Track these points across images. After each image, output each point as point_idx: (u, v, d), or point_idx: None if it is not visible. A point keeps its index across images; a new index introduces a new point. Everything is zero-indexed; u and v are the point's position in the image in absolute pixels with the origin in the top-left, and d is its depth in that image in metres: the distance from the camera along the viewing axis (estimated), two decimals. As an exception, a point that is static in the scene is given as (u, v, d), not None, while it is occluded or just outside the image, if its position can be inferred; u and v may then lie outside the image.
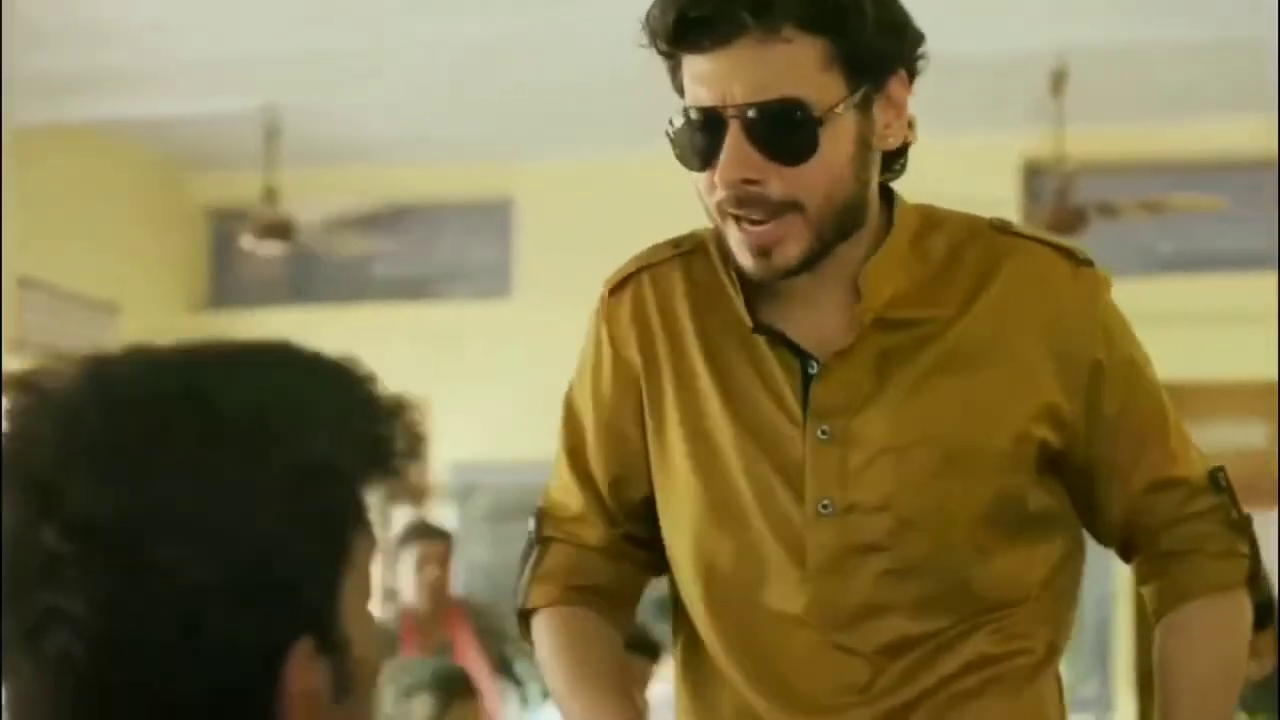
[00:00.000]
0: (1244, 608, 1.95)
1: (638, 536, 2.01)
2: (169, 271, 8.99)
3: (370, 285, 8.87)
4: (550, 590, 2.03)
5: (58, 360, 1.17)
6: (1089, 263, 1.92)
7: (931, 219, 1.93)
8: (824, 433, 1.86)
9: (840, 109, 1.80)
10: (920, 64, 1.89)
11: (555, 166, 8.52)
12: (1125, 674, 7.64)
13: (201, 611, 1.08)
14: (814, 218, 1.81)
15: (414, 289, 8.84)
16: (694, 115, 1.81)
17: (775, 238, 1.81)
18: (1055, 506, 1.93)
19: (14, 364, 7.85)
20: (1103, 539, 1.98)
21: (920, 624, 1.87)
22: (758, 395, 1.89)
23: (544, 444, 8.42)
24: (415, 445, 1.22)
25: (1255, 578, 1.95)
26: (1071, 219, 6.40)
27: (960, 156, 6.98)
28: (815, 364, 1.87)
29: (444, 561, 6.12)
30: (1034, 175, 7.84)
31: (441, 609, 6.05)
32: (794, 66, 1.78)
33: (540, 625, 2.04)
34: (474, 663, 5.85)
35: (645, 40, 1.82)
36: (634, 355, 1.98)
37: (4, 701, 1.12)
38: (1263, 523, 1.99)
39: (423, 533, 6.22)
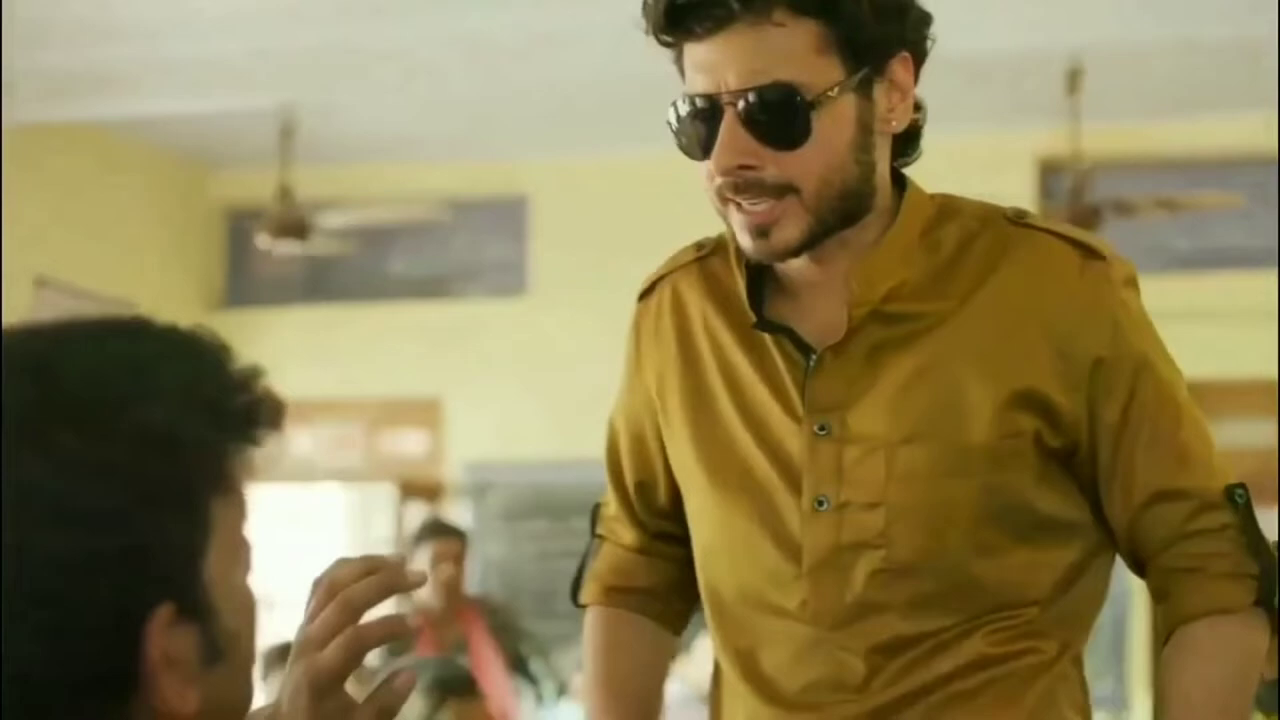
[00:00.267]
0: (1250, 631, 1.86)
1: (673, 534, 2.05)
2: (184, 270, 9.00)
3: (385, 284, 8.88)
4: (594, 589, 2.12)
5: None
6: (1101, 256, 1.87)
7: (948, 209, 1.91)
8: (821, 428, 1.86)
9: (835, 92, 1.79)
10: (927, 45, 1.87)
11: (570, 164, 8.51)
12: (1141, 672, 7.63)
13: (54, 582, 1.10)
14: (812, 201, 1.81)
15: (429, 287, 8.85)
16: (691, 104, 1.82)
17: (772, 217, 1.81)
18: (1070, 511, 1.88)
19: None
20: (1118, 550, 1.93)
21: (916, 623, 1.85)
22: (761, 391, 1.90)
23: (558, 442, 8.51)
24: (273, 415, 1.24)
25: (1268, 602, 1.85)
26: (1087, 217, 6.39)
27: (975, 155, 6.98)
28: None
29: (459, 559, 6.13)
30: (1049, 173, 7.83)
31: (456, 607, 6.06)
32: (787, 51, 1.77)
33: (586, 623, 2.13)
34: (488, 660, 5.86)
35: (647, 32, 1.82)
36: (654, 360, 2.01)
37: None
38: (1265, 520, 1.92)
39: (437, 531, 6.23)
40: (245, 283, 9.14)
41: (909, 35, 1.84)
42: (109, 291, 8.29)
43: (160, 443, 1.14)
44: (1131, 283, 1.89)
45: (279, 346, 8.98)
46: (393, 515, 8.78)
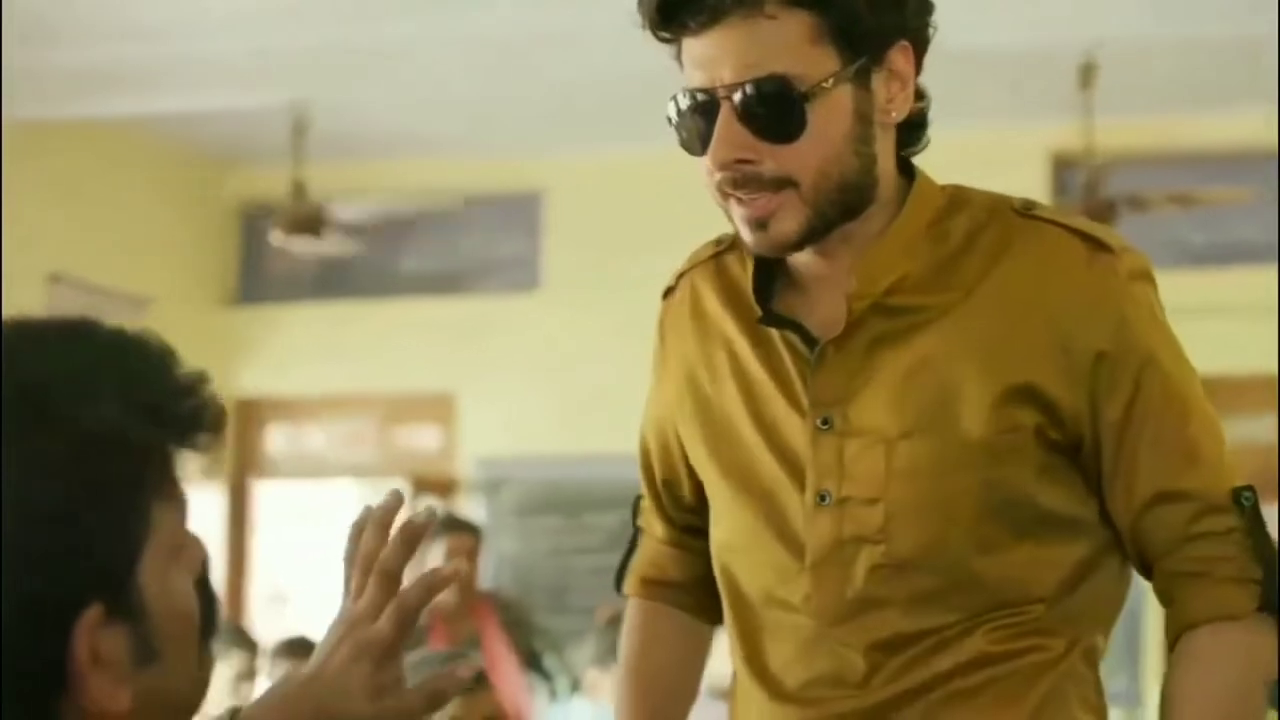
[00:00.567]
0: (1255, 637, 1.80)
1: (699, 528, 2.05)
2: (198, 266, 9.01)
3: (399, 279, 8.88)
4: (633, 581, 2.15)
5: None
6: (1108, 248, 1.84)
7: (958, 200, 1.89)
8: (823, 422, 1.85)
9: (830, 84, 1.77)
10: (929, 33, 1.85)
11: (585, 160, 8.51)
12: (1155, 668, 7.62)
13: None
14: (810, 194, 1.79)
15: (442, 283, 8.85)
16: (689, 99, 1.81)
17: (769, 210, 1.79)
18: (1074, 507, 1.85)
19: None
20: (1124, 551, 1.88)
21: (917, 620, 1.83)
22: (768, 385, 1.89)
23: (571, 438, 8.50)
24: (215, 419, 1.25)
25: (1273, 607, 1.80)
26: (1101, 212, 6.38)
27: (989, 150, 6.97)
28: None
29: (472, 555, 6.14)
30: (1063, 168, 7.82)
31: (469, 602, 6.06)
32: (780, 43, 1.76)
33: (625, 614, 2.16)
34: (501, 656, 5.87)
35: (644, 28, 1.82)
36: (676, 357, 2.01)
37: None
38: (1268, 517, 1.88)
39: (451, 526, 6.23)
40: (259, 279, 9.15)
41: (908, 24, 1.82)
42: (122, 288, 8.30)
43: (98, 444, 1.16)
44: (1143, 277, 1.86)
45: (292, 342, 9.00)
46: (406, 511, 8.77)
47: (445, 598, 5.99)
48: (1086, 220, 1.91)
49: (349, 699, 1.39)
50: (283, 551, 9.11)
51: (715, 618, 2.08)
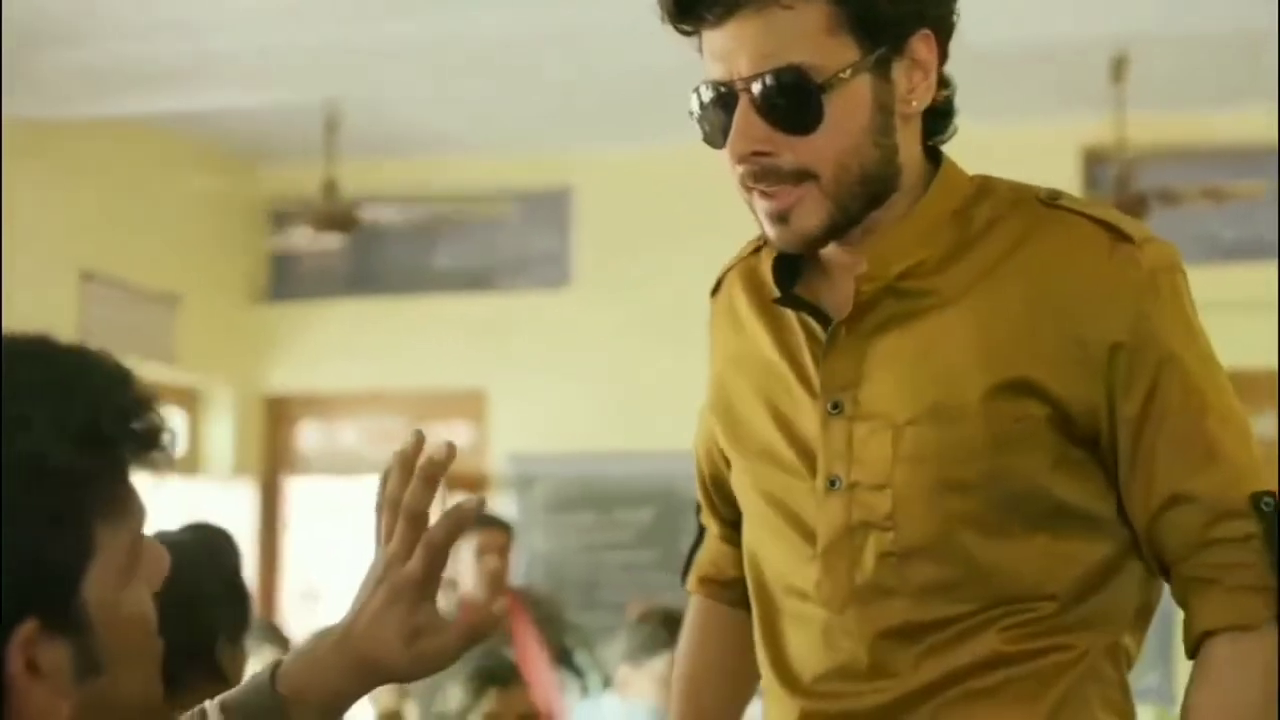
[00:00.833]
0: (1272, 647, 1.74)
1: None
2: (230, 263, 9.03)
3: (429, 276, 8.90)
4: (693, 578, 2.15)
5: None
6: (1130, 239, 1.79)
7: (985, 189, 1.86)
8: (834, 406, 1.83)
9: (848, 74, 1.75)
10: (953, 20, 1.82)
11: (615, 156, 8.51)
12: (1187, 665, 7.58)
13: None
14: (830, 187, 1.77)
15: (473, 280, 8.86)
16: (708, 91, 1.79)
17: (789, 203, 1.78)
18: (1092, 502, 1.80)
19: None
20: (1142, 553, 1.83)
21: (926, 610, 1.79)
22: (785, 370, 1.88)
23: (603, 434, 8.49)
24: (157, 439, 1.28)
25: None
26: (1132, 206, 6.36)
27: (1020, 144, 6.94)
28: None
29: (504, 551, 6.14)
30: (1094, 163, 7.79)
31: (501, 598, 6.06)
32: (796, 33, 1.74)
33: (687, 610, 2.16)
34: (533, 652, 5.87)
35: (663, 20, 1.81)
36: (715, 357, 2.01)
37: None
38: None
39: (482, 522, 6.23)
40: (290, 276, 9.17)
41: (929, 12, 1.80)
42: (154, 285, 8.33)
43: (31, 471, 1.19)
44: (1169, 269, 1.80)
45: (324, 339, 9.02)
46: (437, 507, 8.79)
47: (477, 594, 6.01)
48: (1113, 211, 1.86)
49: (386, 645, 1.43)
50: (315, 548, 9.13)
51: None
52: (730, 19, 1.75)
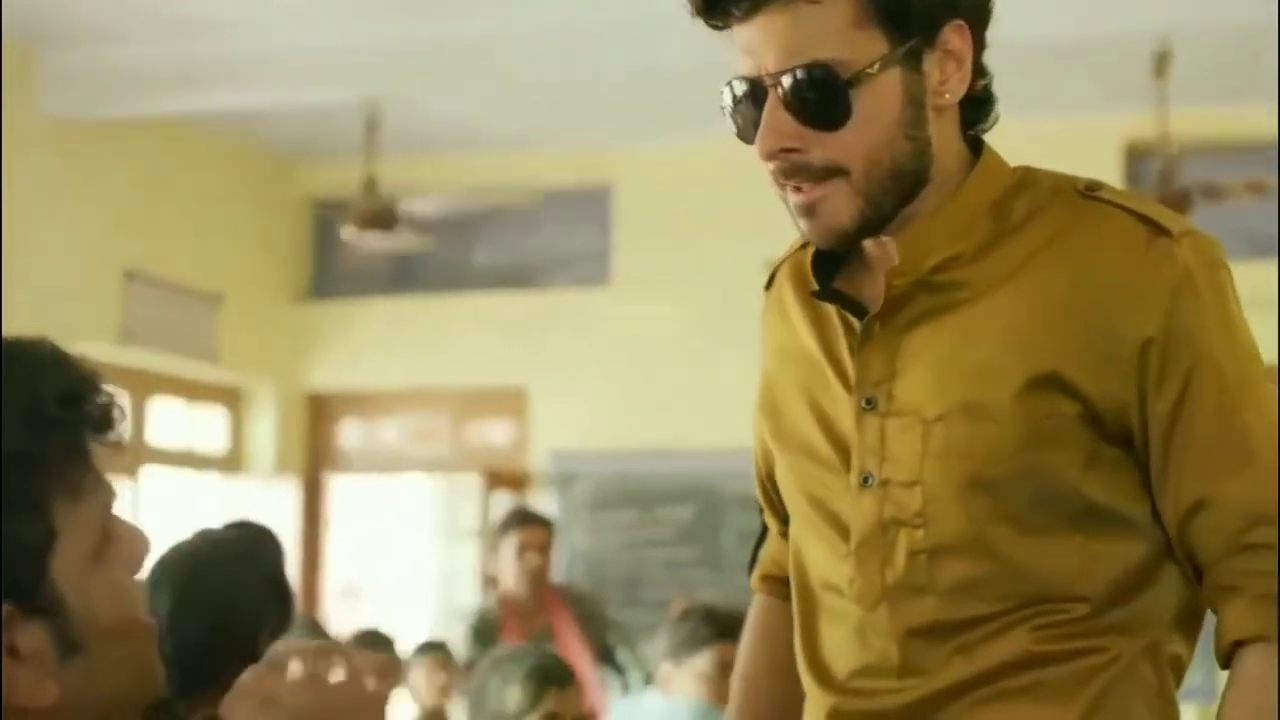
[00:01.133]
0: None
1: None
2: (272, 262, 9.06)
3: (470, 274, 8.91)
4: (756, 575, 2.14)
5: None
6: (1168, 232, 1.74)
7: (1025, 181, 1.83)
8: (868, 401, 1.80)
9: (876, 68, 1.72)
10: (988, 10, 1.79)
11: (655, 152, 8.51)
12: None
13: None
14: (861, 182, 1.75)
15: (514, 277, 8.87)
16: (739, 87, 1.77)
17: (818, 198, 1.76)
18: (1124, 502, 1.76)
19: (122, 356, 7.95)
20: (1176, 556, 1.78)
21: (955, 609, 1.76)
22: (824, 366, 1.86)
23: (644, 431, 8.47)
24: (107, 418, 1.29)
25: None
26: (1175, 202, 6.32)
27: (1062, 140, 6.92)
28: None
29: (545, 548, 6.14)
30: (1137, 158, 7.75)
31: (542, 596, 6.07)
32: (823, 28, 1.71)
33: (750, 608, 2.15)
34: (574, 650, 5.87)
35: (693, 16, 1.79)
36: (766, 353, 2.00)
37: None
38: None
39: (524, 520, 6.24)
40: (332, 274, 9.20)
41: (961, 2, 1.76)
42: (197, 284, 8.37)
43: None
44: (1209, 264, 1.75)
45: (365, 337, 9.04)
46: (479, 505, 8.82)
47: (518, 592, 6.02)
48: (1153, 203, 1.82)
49: None
50: (356, 545, 9.15)
51: None
52: (757, 14, 1.73)
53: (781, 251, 2.03)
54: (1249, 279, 1.97)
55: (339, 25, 6.90)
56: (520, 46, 6.96)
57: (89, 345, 7.69)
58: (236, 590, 2.49)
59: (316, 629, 6.01)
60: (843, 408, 1.83)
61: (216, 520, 2.68)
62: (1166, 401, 1.73)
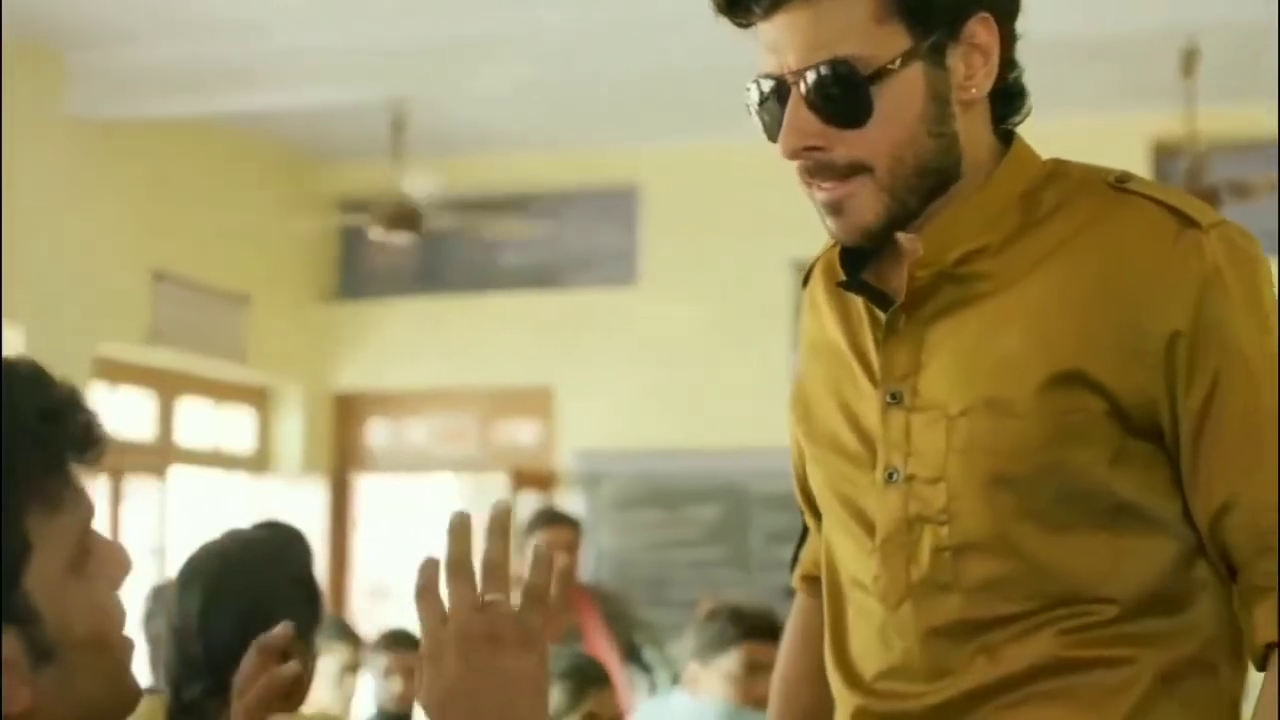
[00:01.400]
0: None
1: None
2: (299, 262, 9.08)
3: (497, 273, 8.92)
4: (796, 574, 2.11)
5: None
6: (1197, 224, 1.71)
7: (1056, 173, 1.80)
8: (892, 396, 1.78)
9: (898, 64, 1.69)
10: (1013, 3, 1.76)
11: (681, 152, 8.51)
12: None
13: None
14: (886, 180, 1.72)
15: (540, 277, 8.88)
16: (762, 86, 1.76)
17: (842, 195, 1.74)
18: (1159, 503, 1.72)
19: (150, 357, 7.98)
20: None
21: (980, 608, 1.73)
22: (850, 360, 1.84)
23: (670, 431, 8.45)
24: (88, 431, 1.32)
25: None
26: (1203, 199, 6.28)
27: (1090, 138, 6.87)
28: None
29: (572, 548, 6.14)
30: (1165, 156, 7.73)
31: (570, 595, 6.07)
32: (844, 24, 1.69)
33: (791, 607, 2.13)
34: (602, 649, 5.87)
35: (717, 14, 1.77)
36: (800, 346, 1.98)
37: None
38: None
39: (551, 519, 6.24)
40: (358, 274, 9.21)
41: None
42: (224, 284, 8.39)
43: None
44: (1240, 257, 1.72)
45: (392, 337, 9.06)
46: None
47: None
48: (1184, 195, 1.78)
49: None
50: (383, 545, 9.17)
51: None
52: (778, 11, 1.71)
53: (808, 251, 2.01)
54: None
55: (365, 25, 6.91)
56: (546, 46, 6.96)
57: (117, 346, 7.72)
58: (265, 590, 2.49)
59: (345, 629, 6.02)
60: (869, 402, 1.80)
61: (244, 520, 2.68)
62: (1196, 398, 1.69)
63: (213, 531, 2.60)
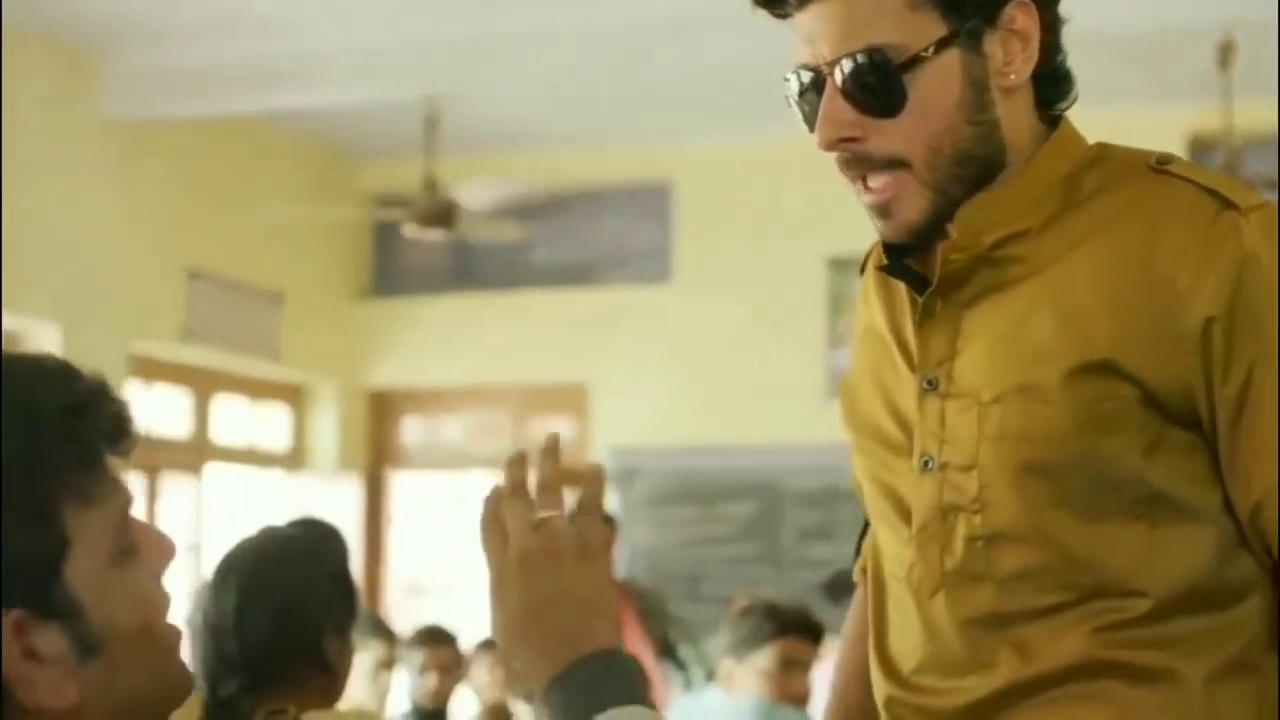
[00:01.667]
0: None
1: None
2: (333, 260, 9.11)
3: (530, 271, 8.93)
4: (857, 568, 2.06)
5: None
6: (1235, 206, 1.65)
7: (1100, 157, 1.77)
8: (929, 382, 1.74)
9: (931, 51, 1.66)
10: None
11: (716, 149, 8.50)
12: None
13: None
14: (925, 173, 1.70)
15: (574, 274, 8.88)
16: (801, 77, 1.74)
17: (887, 196, 1.71)
18: (1197, 493, 1.67)
19: (185, 355, 8.00)
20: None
21: (1012, 600, 1.69)
22: (892, 343, 1.81)
23: (705, 428, 8.48)
24: (117, 427, 1.32)
25: None
26: (1240, 193, 6.27)
27: (1126, 132, 6.78)
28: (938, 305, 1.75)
29: (607, 545, 6.14)
30: (1201, 150, 7.68)
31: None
32: (877, 11, 1.66)
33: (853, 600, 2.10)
34: (636, 646, 5.87)
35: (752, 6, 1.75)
36: (855, 334, 1.95)
37: None
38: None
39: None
40: (393, 272, 9.23)
41: None
42: (259, 283, 8.41)
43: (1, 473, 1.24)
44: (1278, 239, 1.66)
45: (426, 334, 9.07)
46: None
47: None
48: (1224, 178, 1.72)
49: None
50: (418, 542, 9.19)
51: None
52: (813, 1, 1.70)
53: (842, 248, 2.00)
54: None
55: (399, 23, 6.92)
56: (581, 43, 6.96)
57: (153, 344, 7.75)
58: (301, 588, 2.49)
59: (380, 625, 6.04)
60: (907, 388, 1.77)
61: (280, 517, 2.69)
62: (1233, 386, 1.64)
63: (248, 529, 2.61)
